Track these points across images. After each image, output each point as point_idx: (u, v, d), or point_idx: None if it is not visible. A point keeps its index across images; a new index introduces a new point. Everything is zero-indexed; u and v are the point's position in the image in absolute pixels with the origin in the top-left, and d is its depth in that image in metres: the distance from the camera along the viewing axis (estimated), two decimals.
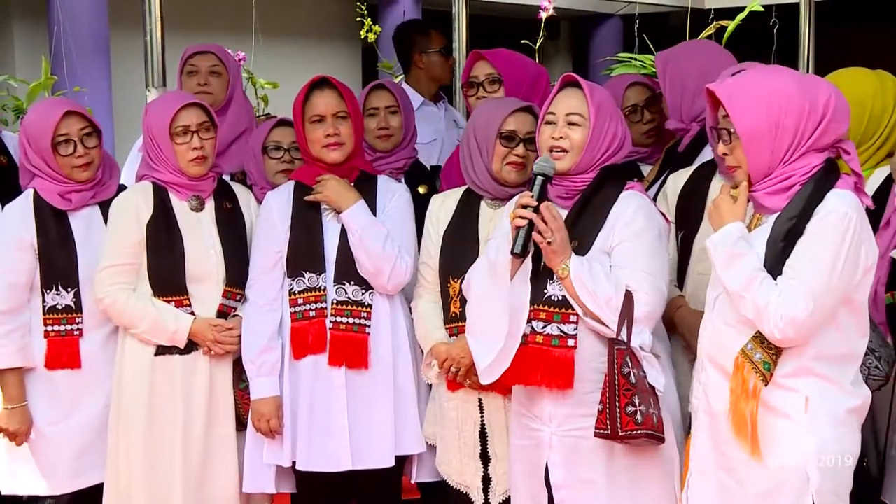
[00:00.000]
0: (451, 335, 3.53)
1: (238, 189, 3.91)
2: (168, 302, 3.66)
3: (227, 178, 4.15)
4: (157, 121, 3.69)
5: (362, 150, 3.80)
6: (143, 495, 3.67)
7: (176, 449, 3.66)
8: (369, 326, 3.59)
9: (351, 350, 3.58)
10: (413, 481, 3.77)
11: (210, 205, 3.78)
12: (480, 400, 3.52)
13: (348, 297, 3.59)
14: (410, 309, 3.70)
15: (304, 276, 3.62)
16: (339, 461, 3.60)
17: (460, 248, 3.55)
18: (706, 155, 3.78)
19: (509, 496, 3.46)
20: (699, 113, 3.78)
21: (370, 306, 3.60)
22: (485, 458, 3.54)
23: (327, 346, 3.59)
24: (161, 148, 3.69)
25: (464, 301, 3.46)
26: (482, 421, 3.53)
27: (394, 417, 3.62)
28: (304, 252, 3.64)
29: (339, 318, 3.59)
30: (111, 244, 3.68)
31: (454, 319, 3.53)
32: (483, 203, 3.57)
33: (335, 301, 3.59)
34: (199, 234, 3.72)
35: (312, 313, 3.61)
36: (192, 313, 3.67)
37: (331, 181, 3.63)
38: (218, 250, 3.73)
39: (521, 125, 3.48)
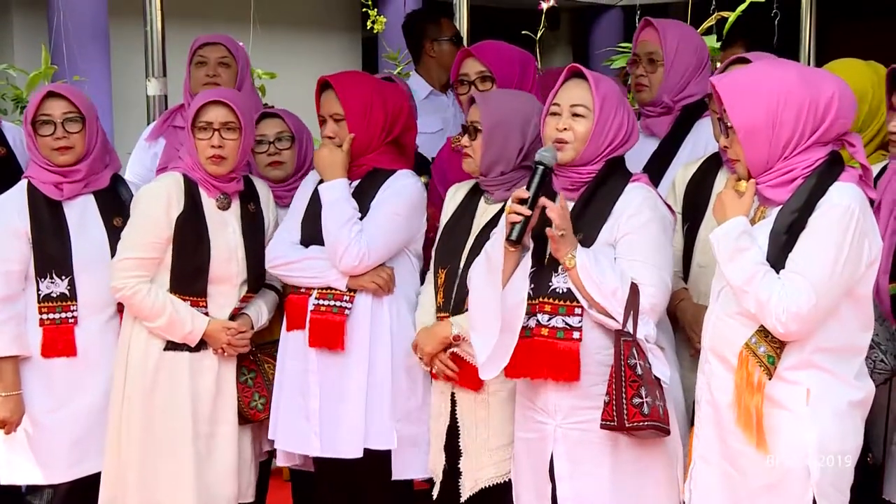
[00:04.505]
0: None
1: (260, 187, 3.88)
2: (185, 300, 3.65)
3: None
4: (189, 111, 3.69)
5: (378, 146, 3.66)
6: (146, 489, 3.65)
7: (187, 446, 3.65)
8: (349, 310, 3.57)
9: (327, 332, 3.56)
10: (393, 478, 3.66)
11: (235, 204, 3.76)
12: (454, 394, 3.53)
13: None
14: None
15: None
16: (308, 445, 3.62)
17: (453, 240, 3.56)
18: (691, 140, 3.79)
19: (479, 491, 3.47)
20: (685, 97, 3.84)
21: (354, 291, 3.58)
22: (452, 452, 3.53)
23: (306, 324, 3.60)
24: (188, 139, 3.69)
25: (447, 291, 3.50)
26: (453, 414, 3.53)
27: (365, 409, 3.58)
28: (311, 228, 3.64)
29: (320, 301, 3.59)
30: (138, 236, 3.65)
31: (439, 309, 3.54)
32: (482, 198, 3.57)
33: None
34: (225, 236, 3.70)
35: (303, 288, 3.63)
36: (206, 314, 3.68)
37: (322, 150, 3.63)
38: (241, 254, 3.72)
39: (470, 116, 3.49)
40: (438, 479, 3.56)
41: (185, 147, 3.74)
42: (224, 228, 3.71)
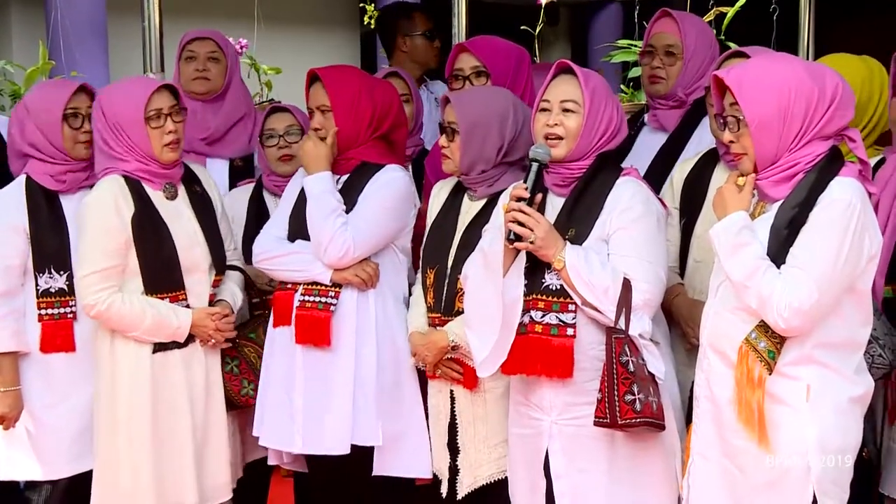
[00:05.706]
0: (431, 325, 3.54)
1: (198, 169, 3.87)
2: (163, 298, 3.62)
3: (226, 164, 4.16)
4: (125, 107, 3.58)
5: (366, 141, 3.65)
6: (154, 490, 3.63)
7: (187, 441, 3.65)
8: (334, 306, 3.56)
9: (313, 328, 3.55)
10: (373, 474, 3.63)
11: (181, 191, 3.74)
12: (452, 391, 3.52)
13: None
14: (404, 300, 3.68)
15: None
16: (291, 442, 3.61)
17: (439, 239, 3.55)
18: (697, 135, 3.79)
19: (477, 489, 3.47)
20: (696, 90, 3.82)
21: (339, 287, 3.57)
22: (454, 448, 3.53)
23: (292, 320, 3.58)
24: (130, 135, 3.58)
25: (437, 291, 3.49)
26: (452, 412, 3.52)
27: (352, 405, 3.57)
28: (298, 223, 3.63)
29: (306, 297, 3.58)
30: (95, 247, 3.57)
31: (430, 310, 3.54)
32: (466, 195, 3.56)
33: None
34: (182, 224, 3.67)
35: (289, 284, 3.62)
36: (188, 306, 3.66)
37: (307, 143, 3.62)
38: (201, 238, 3.70)
39: (446, 116, 3.48)
40: (445, 476, 3.55)
41: (120, 147, 3.59)
42: (179, 217, 3.68)
